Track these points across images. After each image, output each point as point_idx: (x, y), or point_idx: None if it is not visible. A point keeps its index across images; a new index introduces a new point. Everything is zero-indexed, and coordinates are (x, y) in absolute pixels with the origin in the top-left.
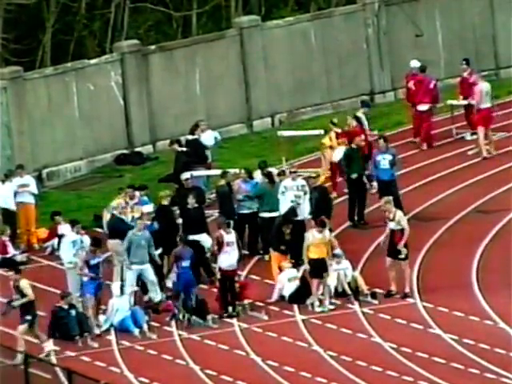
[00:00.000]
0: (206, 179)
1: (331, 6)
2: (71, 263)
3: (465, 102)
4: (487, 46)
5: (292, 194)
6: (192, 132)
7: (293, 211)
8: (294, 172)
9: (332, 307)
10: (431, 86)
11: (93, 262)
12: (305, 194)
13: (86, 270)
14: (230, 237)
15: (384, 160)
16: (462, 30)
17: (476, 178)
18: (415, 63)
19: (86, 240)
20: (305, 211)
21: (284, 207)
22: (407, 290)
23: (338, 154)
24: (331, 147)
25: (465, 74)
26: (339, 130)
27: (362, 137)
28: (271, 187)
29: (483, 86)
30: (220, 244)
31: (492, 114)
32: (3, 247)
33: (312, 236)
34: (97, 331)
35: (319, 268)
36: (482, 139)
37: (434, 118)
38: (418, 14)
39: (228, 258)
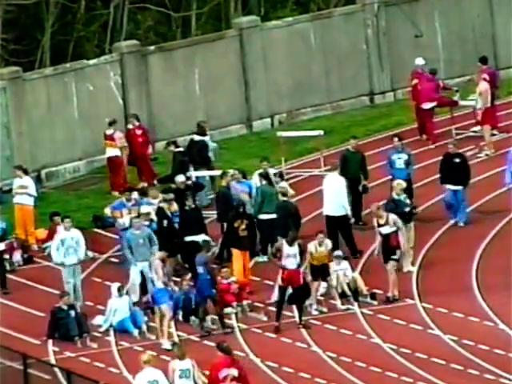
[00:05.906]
0: (210, 180)
1: (330, 6)
2: (58, 264)
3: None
4: (487, 46)
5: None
6: (201, 134)
7: (242, 206)
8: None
9: (344, 307)
10: (441, 86)
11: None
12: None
13: (159, 279)
14: (292, 249)
15: (399, 160)
16: (462, 31)
17: (476, 178)
18: (420, 61)
19: (78, 236)
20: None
21: (325, 203)
22: (390, 294)
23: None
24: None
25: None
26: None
27: (139, 132)
28: (270, 189)
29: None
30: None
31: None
32: None
33: (315, 249)
34: (167, 346)
35: (322, 272)
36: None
37: (435, 118)
38: (418, 14)
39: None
